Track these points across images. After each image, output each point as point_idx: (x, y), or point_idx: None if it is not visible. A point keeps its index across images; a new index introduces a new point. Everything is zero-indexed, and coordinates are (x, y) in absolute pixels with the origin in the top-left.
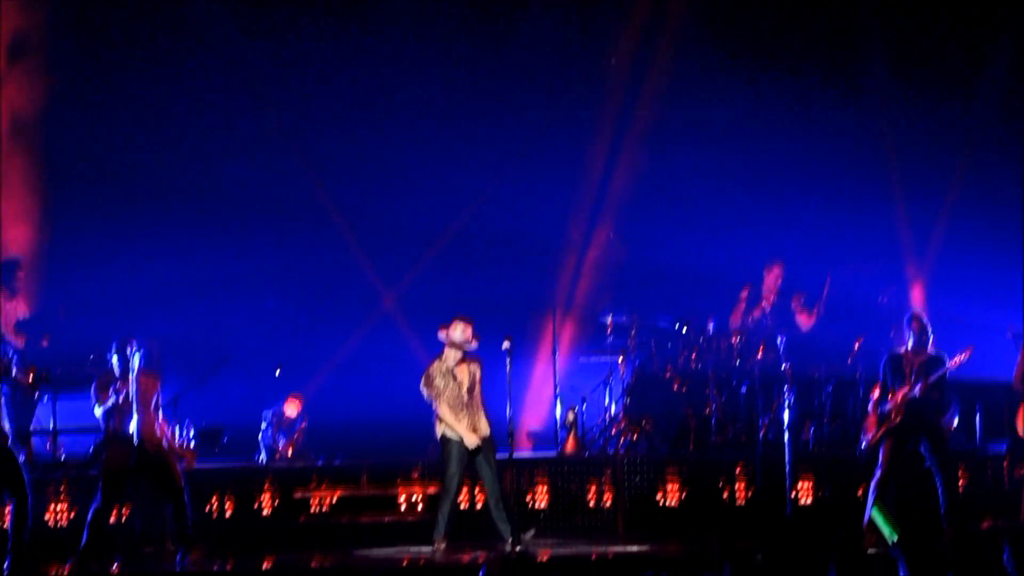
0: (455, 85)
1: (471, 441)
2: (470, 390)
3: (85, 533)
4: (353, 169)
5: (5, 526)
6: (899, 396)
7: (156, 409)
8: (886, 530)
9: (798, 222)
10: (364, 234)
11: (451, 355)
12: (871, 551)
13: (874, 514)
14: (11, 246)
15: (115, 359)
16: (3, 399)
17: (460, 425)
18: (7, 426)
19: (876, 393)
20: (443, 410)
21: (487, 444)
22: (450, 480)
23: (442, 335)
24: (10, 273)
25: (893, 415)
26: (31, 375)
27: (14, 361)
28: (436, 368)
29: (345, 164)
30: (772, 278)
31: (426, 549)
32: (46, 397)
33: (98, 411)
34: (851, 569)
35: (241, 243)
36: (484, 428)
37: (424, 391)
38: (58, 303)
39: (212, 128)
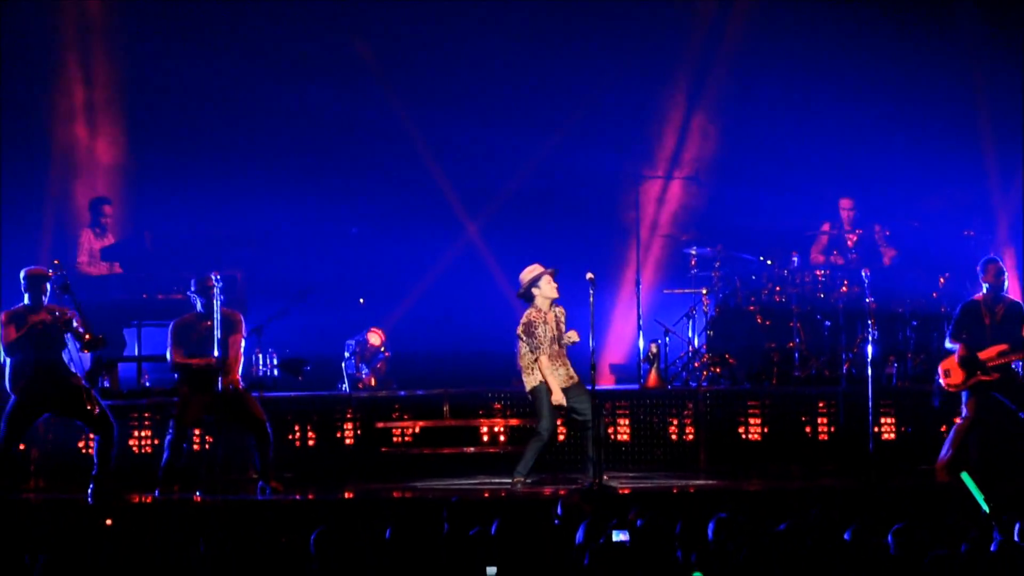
0: (539, 19)
1: (559, 398)
2: (558, 338)
3: (163, 462)
4: (439, 94)
5: (90, 452)
6: (994, 351)
7: (237, 346)
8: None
9: (882, 157)
10: (448, 165)
11: (544, 304)
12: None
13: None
14: (98, 184)
15: (197, 297)
16: (72, 343)
17: (554, 379)
18: (74, 367)
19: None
20: (543, 361)
21: (581, 387)
22: (544, 430)
23: (532, 289)
24: (97, 211)
25: (988, 370)
26: (87, 336)
27: (75, 318)
28: (537, 317)
29: (431, 89)
30: (844, 212)
31: (507, 481)
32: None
33: (168, 356)
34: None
35: (324, 172)
36: (575, 374)
37: (524, 342)
38: (144, 229)
39: (294, 57)
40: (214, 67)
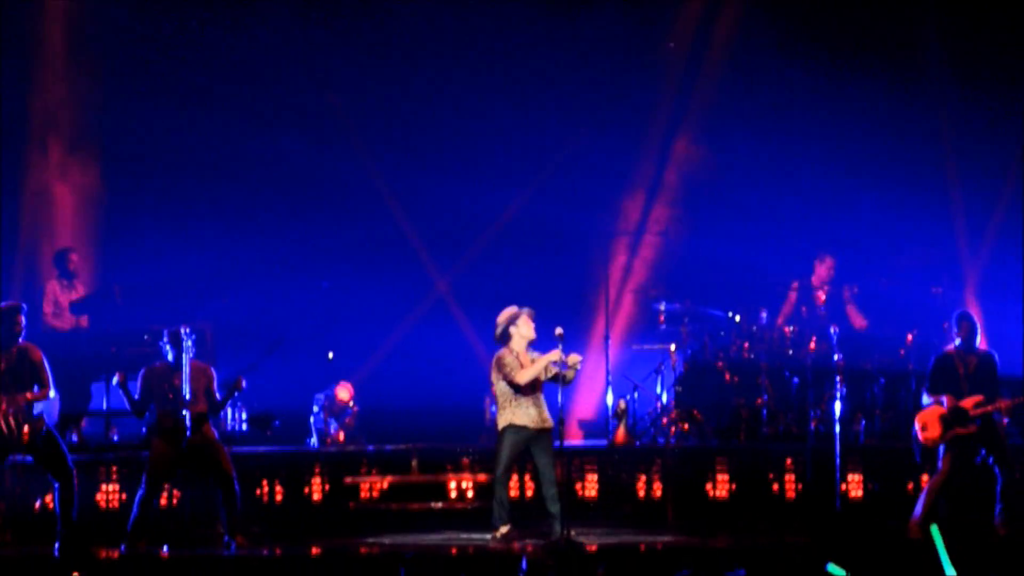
0: (510, 70)
1: (549, 357)
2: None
3: (132, 517)
4: (409, 152)
5: (53, 507)
6: (970, 403)
7: (208, 397)
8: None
9: (853, 214)
10: (418, 219)
11: (520, 345)
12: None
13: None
14: (67, 234)
15: (168, 349)
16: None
17: (538, 365)
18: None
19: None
20: (521, 375)
21: (548, 436)
22: (499, 472)
23: (509, 328)
24: (63, 259)
25: (966, 424)
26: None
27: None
28: (507, 352)
29: (400, 148)
30: (824, 269)
31: (475, 537)
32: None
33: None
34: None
35: (295, 226)
36: (549, 419)
37: (495, 375)
38: (113, 284)
39: (268, 110)
40: (186, 118)
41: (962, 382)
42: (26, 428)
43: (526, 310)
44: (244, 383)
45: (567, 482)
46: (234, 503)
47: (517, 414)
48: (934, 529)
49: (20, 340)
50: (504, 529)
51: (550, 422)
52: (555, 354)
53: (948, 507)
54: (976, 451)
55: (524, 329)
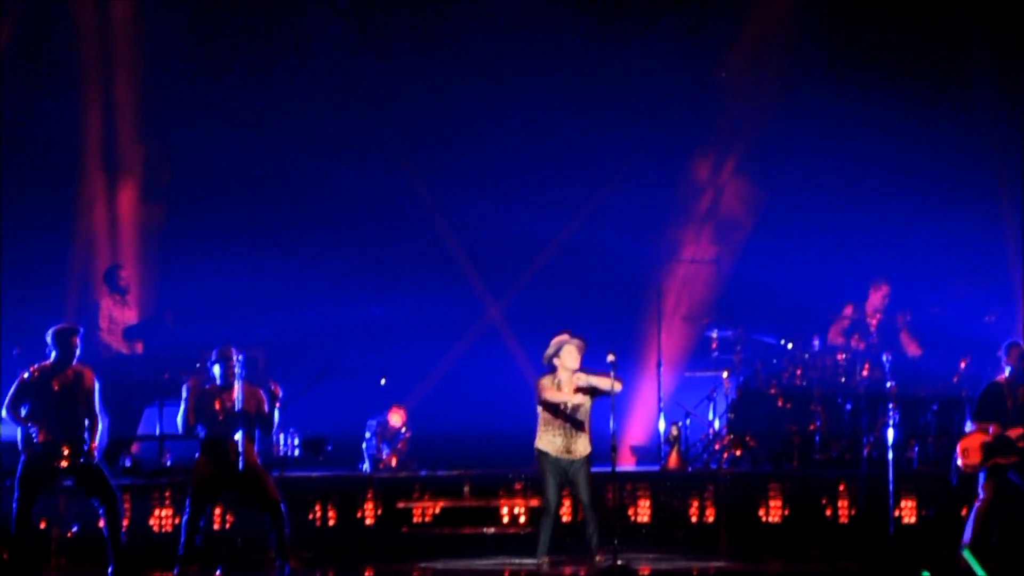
0: (563, 96)
1: (559, 396)
2: (576, 408)
3: (181, 540)
4: (462, 177)
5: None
6: (1015, 433)
7: (260, 419)
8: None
9: (906, 239)
10: (471, 244)
11: (564, 375)
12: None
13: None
14: (118, 252)
15: (217, 368)
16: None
17: (554, 394)
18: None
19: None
20: (547, 394)
21: (586, 461)
22: (546, 501)
23: (554, 357)
24: (113, 276)
25: (1008, 454)
26: None
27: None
28: (546, 376)
29: (454, 172)
30: (879, 297)
31: (528, 562)
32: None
33: (180, 417)
34: None
35: (348, 250)
36: (582, 449)
37: (539, 395)
38: (166, 310)
39: (321, 134)
40: (241, 143)
41: (1009, 412)
42: (66, 450)
43: (576, 341)
44: (280, 390)
45: (619, 507)
46: (282, 527)
47: (543, 440)
48: (967, 552)
49: (75, 361)
50: (539, 560)
51: (579, 454)
52: (579, 397)
53: (999, 538)
54: (1010, 481)
55: (567, 360)
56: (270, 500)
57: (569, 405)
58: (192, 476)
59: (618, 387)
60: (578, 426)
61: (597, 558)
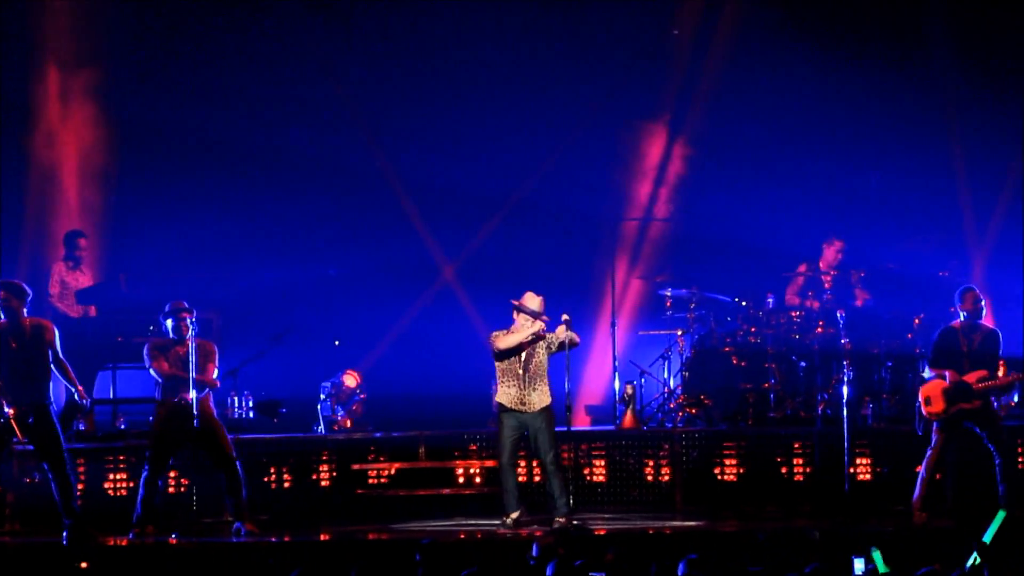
0: (517, 54)
1: (522, 333)
2: (528, 359)
3: (138, 503)
4: (415, 138)
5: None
6: (973, 378)
7: (212, 378)
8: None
9: (859, 196)
10: (425, 204)
11: (519, 322)
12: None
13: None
14: (74, 219)
15: (169, 322)
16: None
17: (518, 335)
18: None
19: (932, 372)
20: (500, 340)
21: (544, 415)
22: (501, 456)
23: (516, 311)
24: (71, 244)
25: (970, 399)
26: None
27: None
28: (500, 330)
29: (407, 133)
30: (832, 252)
31: (484, 523)
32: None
33: (155, 371)
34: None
35: (302, 212)
36: (538, 401)
37: (490, 345)
38: (119, 272)
39: (274, 95)
40: (195, 109)
41: (965, 357)
42: (11, 411)
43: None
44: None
45: (575, 467)
46: (239, 489)
47: (500, 393)
48: (1001, 514)
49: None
50: (514, 515)
51: (535, 406)
52: (537, 325)
53: (953, 495)
54: (969, 430)
55: (528, 303)
56: (225, 456)
57: (529, 336)
58: (150, 433)
59: (576, 339)
60: (533, 378)
61: (557, 521)
